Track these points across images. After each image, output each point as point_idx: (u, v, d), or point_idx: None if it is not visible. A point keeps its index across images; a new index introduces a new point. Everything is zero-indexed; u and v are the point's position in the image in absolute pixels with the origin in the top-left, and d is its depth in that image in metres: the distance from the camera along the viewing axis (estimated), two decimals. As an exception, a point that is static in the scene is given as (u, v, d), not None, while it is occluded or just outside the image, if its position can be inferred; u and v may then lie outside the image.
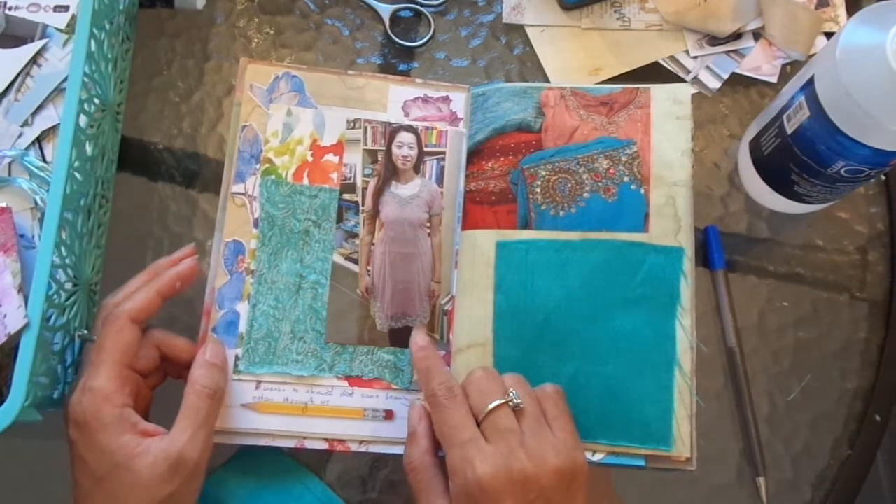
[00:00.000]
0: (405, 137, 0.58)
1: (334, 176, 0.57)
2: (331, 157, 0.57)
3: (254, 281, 0.55)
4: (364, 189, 0.57)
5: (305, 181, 0.57)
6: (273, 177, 0.57)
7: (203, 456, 0.47)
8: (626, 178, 0.55)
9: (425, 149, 0.58)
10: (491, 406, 0.47)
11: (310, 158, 0.57)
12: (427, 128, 0.58)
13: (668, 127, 0.56)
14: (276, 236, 0.56)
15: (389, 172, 0.57)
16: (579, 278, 0.54)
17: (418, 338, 0.52)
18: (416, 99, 0.59)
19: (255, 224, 0.56)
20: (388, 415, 0.53)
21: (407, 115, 0.59)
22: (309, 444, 0.53)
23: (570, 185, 0.55)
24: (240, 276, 0.55)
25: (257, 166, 0.57)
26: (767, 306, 0.61)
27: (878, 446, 0.59)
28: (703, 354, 0.51)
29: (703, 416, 0.50)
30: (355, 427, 0.53)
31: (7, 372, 0.50)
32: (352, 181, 0.57)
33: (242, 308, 0.54)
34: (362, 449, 0.53)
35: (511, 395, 0.48)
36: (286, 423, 0.52)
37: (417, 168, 0.58)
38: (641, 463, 0.52)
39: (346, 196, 0.57)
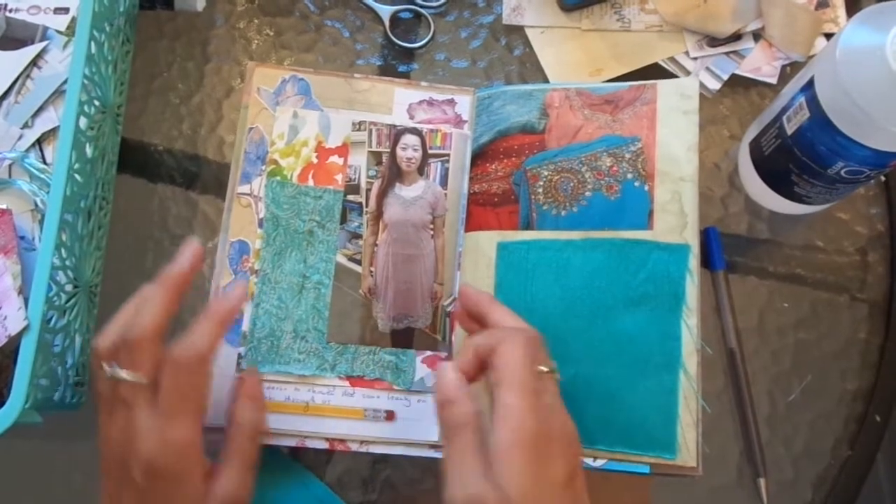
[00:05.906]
0: (410, 140, 0.58)
1: (339, 177, 0.57)
2: (335, 159, 0.57)
3: (258, 280, 0.55)
4: (368, 190, 0.57)
5: (310, 182, 0.57)
6: (278, 178, 0.57)
7: (251, 494, 0.46)
8: (629, 175, 0.54)
9: (430, 151, 0.58)
10: None
11: (315, 160, 0.57)
12: (432, 130, 0.58)
13: (674, 122, 0.55)
14: (280, 237, 0.56)
15: (393, 174, 0.57)
16: (580, 278, 0.53)
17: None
18: (420, 102, 0.59)
19: (260, 224, 0.56)
20: (389, 415, 0.53)
21: (412, 117, 0.59)
22: (309, 444, 0.53)
23: (572, 184, 0.55)
24: (244, 276, 0.55)
25: (263, 167, 0.57)
26: (767, 307, 0.61)
27: (879, 447, 0.59)
28: (703, 356, 0.51)
29: (704, 417, 0.49)
30: (356, 427, 0.53)
31: (7, 374, 0.50)
32: (356, 183, 0.57)
33: (246, 307, 0.54)
34: (363, 449, 0.53)
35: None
36: (287, 422, 0.52)
37: (421, 170, 0.58)
38: (646, 470, 0.51)
39: (350, 197, 0.57)
